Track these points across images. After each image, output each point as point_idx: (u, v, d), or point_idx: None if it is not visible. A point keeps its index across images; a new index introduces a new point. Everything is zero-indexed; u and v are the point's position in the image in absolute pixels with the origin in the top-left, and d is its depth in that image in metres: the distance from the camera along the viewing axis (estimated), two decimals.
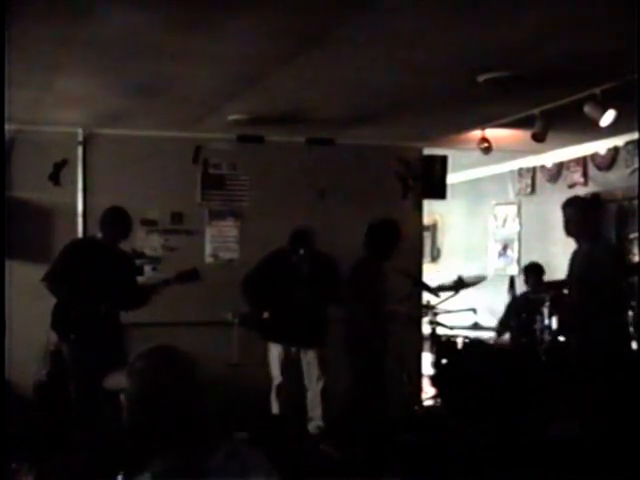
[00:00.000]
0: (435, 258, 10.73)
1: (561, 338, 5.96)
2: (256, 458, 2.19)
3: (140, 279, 6.38)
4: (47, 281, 5.62)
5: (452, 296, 6.87)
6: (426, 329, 7.39)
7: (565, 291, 6.00)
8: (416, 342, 7.59)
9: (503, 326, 7.41)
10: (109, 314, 5.65)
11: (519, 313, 6.90)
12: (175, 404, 2.11)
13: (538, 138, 5.94)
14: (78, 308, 5.55)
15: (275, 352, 6.15)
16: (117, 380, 2.21)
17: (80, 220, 6.82)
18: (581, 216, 5.54)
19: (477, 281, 6.91)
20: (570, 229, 5.58)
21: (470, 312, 7.66)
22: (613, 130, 6.10)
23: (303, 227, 6.11)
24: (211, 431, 2.20)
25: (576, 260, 5.61)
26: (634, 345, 5.68)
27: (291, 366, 6.09)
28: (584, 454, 5.03)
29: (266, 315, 6.08)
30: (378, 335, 5.89)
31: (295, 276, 5.95)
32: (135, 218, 6.84)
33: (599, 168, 7.67)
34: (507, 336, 7.25)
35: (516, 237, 9.15)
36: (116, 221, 5.78)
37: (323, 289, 5.93)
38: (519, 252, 9.06)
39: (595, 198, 7.49)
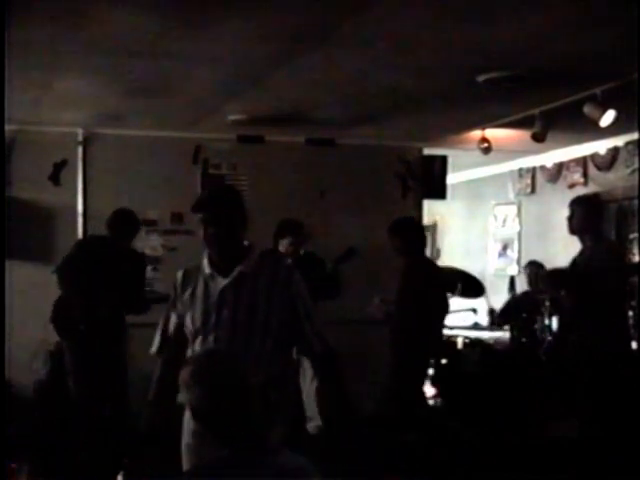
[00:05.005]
0: (435, 258, 10.71)
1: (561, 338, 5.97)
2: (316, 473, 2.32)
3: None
4: (58, 273, 5.59)
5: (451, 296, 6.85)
6: None
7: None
8: None
9: (504, 317, 7.32)
10: (113, 313, 5.64)
11: (519, 312, 6.90)
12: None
13: (538, 138, 5.93)
14: (82, 306, 5.54)
15: None
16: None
17: (80, 220, 6.81)
18: (587, 215, 5.52)
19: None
20: (574, 226, 5.56)
21: (470, 312, 7.67)
22: (613, 130, 6.09)
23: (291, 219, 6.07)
24: None
25: (579, 260, 5.60)
26: (634, 345, 5.68)
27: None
28: (584, 454, 5.03)
29: None
30: None
31: None
32: None
33: (599, 168, 7.67)
34: (507, 336, 7.24)
35: (516, 237, 9.15)
36: (124, 222, 5.77)
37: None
38: (519, 252, 9.05)
39: (595, 198, 7.48)
